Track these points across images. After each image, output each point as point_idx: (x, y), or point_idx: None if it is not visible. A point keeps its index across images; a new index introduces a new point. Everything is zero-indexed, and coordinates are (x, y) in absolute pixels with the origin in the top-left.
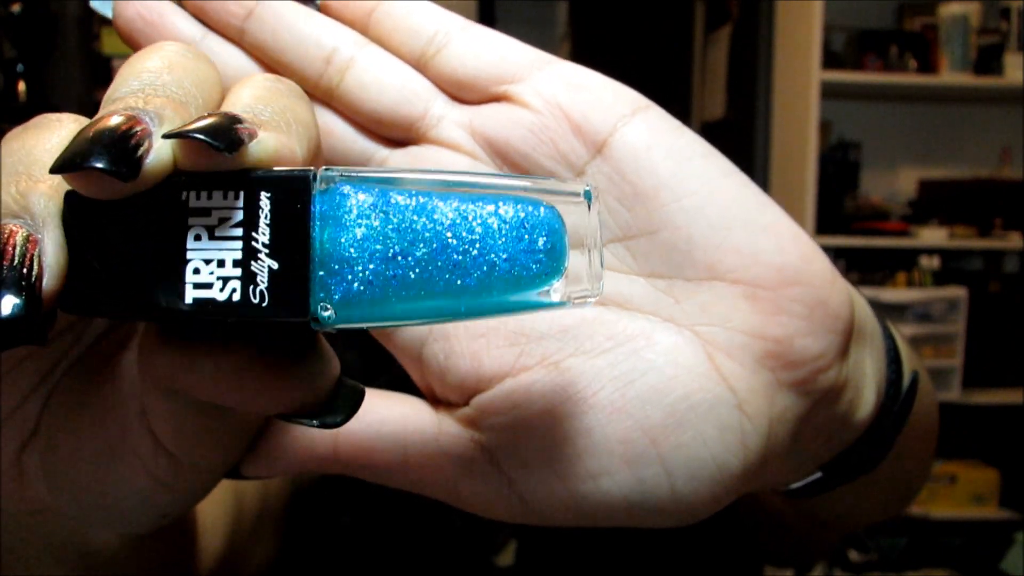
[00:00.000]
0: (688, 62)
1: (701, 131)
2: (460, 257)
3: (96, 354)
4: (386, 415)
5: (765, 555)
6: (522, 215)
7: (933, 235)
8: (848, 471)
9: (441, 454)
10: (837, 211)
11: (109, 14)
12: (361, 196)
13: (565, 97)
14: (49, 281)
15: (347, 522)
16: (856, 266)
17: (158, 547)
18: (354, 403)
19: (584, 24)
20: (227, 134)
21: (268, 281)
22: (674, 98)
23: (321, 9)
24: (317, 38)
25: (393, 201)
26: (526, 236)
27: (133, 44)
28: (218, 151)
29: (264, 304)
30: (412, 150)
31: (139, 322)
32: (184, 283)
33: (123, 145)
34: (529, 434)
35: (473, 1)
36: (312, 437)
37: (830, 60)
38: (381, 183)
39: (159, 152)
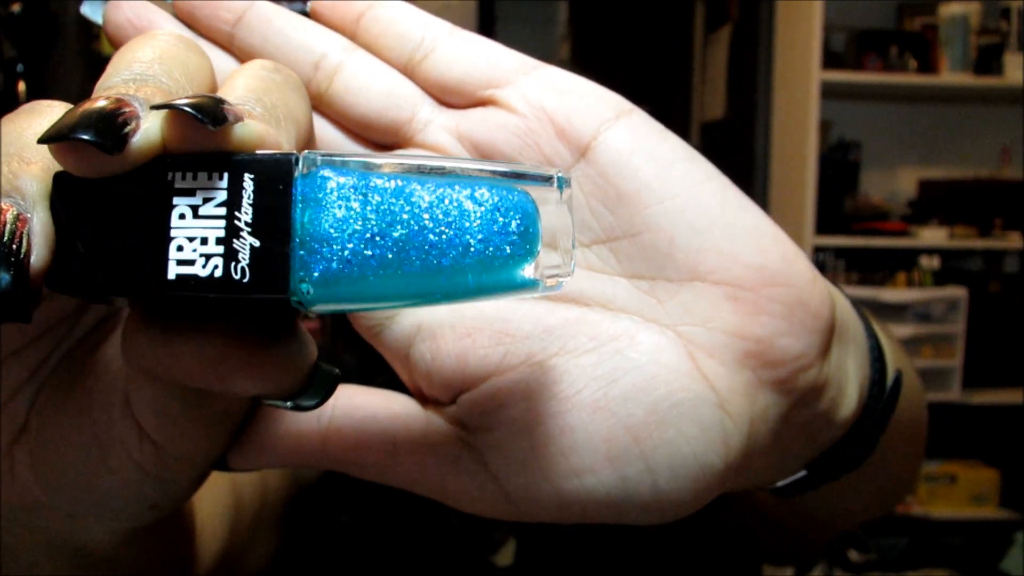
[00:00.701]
0: (688, 62)
1: (701, 131)
2: (436, 238)
3: (83, 349)
4: (376, 411)
5: (763, 554)
6: (496, 199)
7: (933, 235)
8: (832, 469)
9: (429, 451)
10: (837, 211)
11: (100, 20)
12: (341, 179)
13: (550, 101)
14: (37, 259)
15: (346, 521)
16: (856, 266)
17: (154, 546)
18: (329, 387)
19: (584, 24)
20: (212, 110)
21: (249, 258)
22: (674, 98)
23: (310, 14)
24: (306, 43)
25: (372, 184)
26: (500, 219)
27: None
28: (202, 123)
29: (245, 280)
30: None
31: (122, 302)
32: (167, 259)
33: (111, 121)
34: (514, 432)
35: (473, 1)
36: (301, 431)
37: (830, 60)
38: (361, 167)
39: (147, 131)
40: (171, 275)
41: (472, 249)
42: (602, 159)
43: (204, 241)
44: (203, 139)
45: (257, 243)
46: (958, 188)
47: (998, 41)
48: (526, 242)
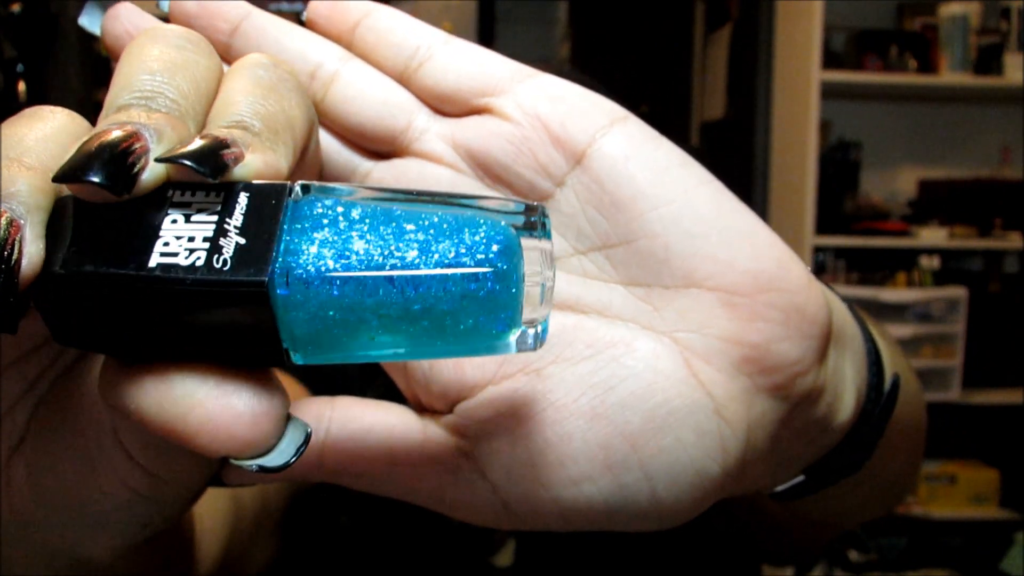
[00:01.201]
0: (688, 62)
1: (701, 131)
2: (418, 268)
3: (79, 366)
4: (372, 423)
5: (763, 555)
6: (481, 234)
7: (933, 235)
8: (831, 474)
9: (427, 461)
10: (837, 211)
11: (98, 31)
12: (330, 209)
13: (544, 109)
14: (26, 268)
15: (345, 522)
16: (856, 266)
17: (153, 555)
18: (300, 445)
19: (584, 24)
20: (213, 160)
21: (233, 251)
22: (674, 98)
23: (306, 24)
24: (302, 53)
25: (360, 216)
26: (483, 253)
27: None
28: (204, 176)
29: (225, 268)
30: (395, 163)
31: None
32: (151, 254)
33: (121, 162)
34: (512, 441)
35: (473, 1)
36: None
37: (830, 60)
38: (351, 198)
39: (153, 170)
40: (152, 263)
41: (453, 280)
42: (597, 166)
43: (192, 239)
44: (204, 180)
45: (243, 241)
46: (958, 188)
47: (998, 41)
48: (508, 272)
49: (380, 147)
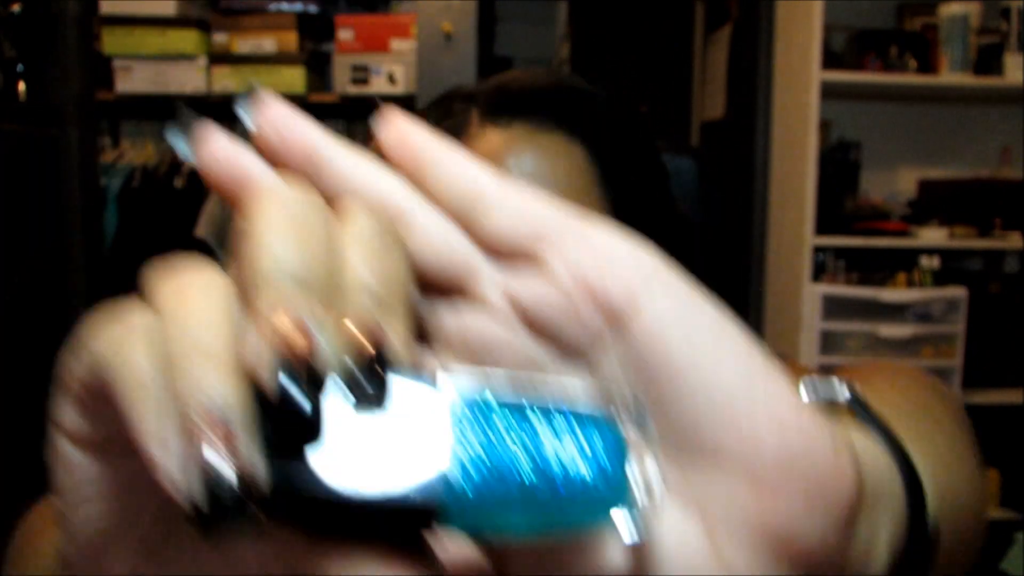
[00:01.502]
0: (688, 62)
1: (701, 131)
2: (554, 474)
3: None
4: None
5: None
6: (597, 435)
7: (933, 235)
8: None
9: None
10: (837, 211)
11: (186, 154)
12: (479, 409)
13: (591, 273)
14: (252, 482)
15: None
16: (856, 266)
17: None
18: None
19: (584, 24)
20: (372, 375)
21: (405, 465)
22: (674, 98)
23: (374, 147)
24: (377, 192)
25: (503, 417)
26: (600, 454)
27: (214, 181)
28: (366, 390)
29: (402, 487)
30: (458, 310)
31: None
32: (332, 458)
33: (308, 377)
34: None
35: (473, 1)
36: None
37: (830, 60)
38: (483, 386)
39: (329, 385)
40: (333, 477)
41: (578, 485)
42: (635, 330)
43: (361, 442)
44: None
45: (413, 453)
46: (958, 188)
47: (998, 41)
48: (617, 475)
49: (442, 288)
